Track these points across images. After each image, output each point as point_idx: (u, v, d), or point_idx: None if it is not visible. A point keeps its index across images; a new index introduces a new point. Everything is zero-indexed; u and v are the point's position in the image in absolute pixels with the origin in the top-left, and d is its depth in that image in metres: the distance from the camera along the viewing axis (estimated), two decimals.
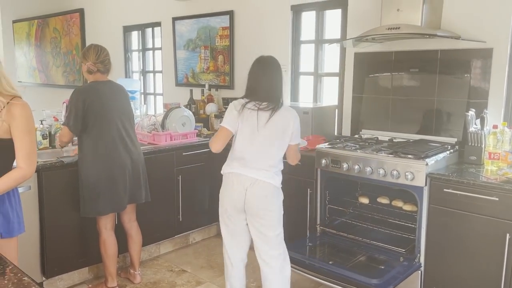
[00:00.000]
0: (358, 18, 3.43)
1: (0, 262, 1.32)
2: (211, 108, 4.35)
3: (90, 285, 3.05)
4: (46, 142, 3.17)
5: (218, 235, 3.97)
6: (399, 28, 2.78)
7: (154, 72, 5.56)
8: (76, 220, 2.91)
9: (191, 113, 3.90)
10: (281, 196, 2.48)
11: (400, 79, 3.27)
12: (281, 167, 2.49)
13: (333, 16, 3.77)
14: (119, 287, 2.96)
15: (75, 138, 2.83)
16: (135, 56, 5.75)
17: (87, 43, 6.22)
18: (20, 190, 2.48)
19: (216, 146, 2.41)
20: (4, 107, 1.83)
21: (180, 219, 3.57)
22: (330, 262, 2.63)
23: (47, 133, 3.18)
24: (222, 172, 2.48)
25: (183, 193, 3.57)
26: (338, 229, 3.01)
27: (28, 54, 7.45)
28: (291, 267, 2.60)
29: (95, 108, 2.69)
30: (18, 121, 1.85)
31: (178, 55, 5.02)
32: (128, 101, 2.95)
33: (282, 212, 2.49)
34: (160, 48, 5.32)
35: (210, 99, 4.46)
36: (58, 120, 3.29)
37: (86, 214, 2.77)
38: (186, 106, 4.25)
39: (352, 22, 3.49)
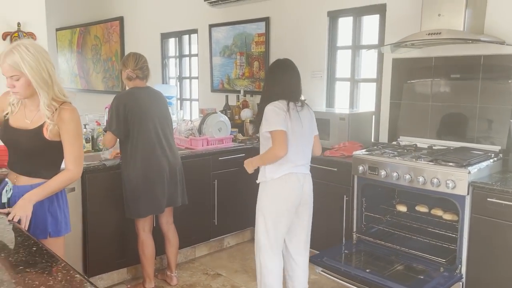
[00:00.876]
0: (397, 24, 3.39)
1: (53, 259, 1.38)
2: (246, 114, 4.39)
3: (128, 286, 3.12)
4: (89, 146, 3.29)
5: (252, 240, 3.97)
6: (440, 33, 2.73)
7: (190, 78, 5.66)
8: (116, 222, 3.00)
9: (227, 118, 3.94)
10: None
11: (440, 85, 3.20)
12: None
13: (370, 22, 3.74)
14: None
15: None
16: (172, 63, 5.88)
17: (126, 50, 6.42)
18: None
19: (283, 150, 2.39)
20: (55, 112, 1.92)
21: (216, 223, 3.62)
22: (367, 270, 2.60)
23: (90, 137, 3.30)
24: (270, 178, 2.50)
25: (219, 197, 3.61)
26: (375, 237, 2.97)
27: (70, 60, 7.75)
28: (326, 273, 2.59)
29: (135, 112, 2.77)
30: (67, 125, 1.94)
31: (214, 61, 5.09)
32: (166, 106, 3.02)
33: None
34: (196, 55, 5.42)
35: (245, 105, 4.51)
36: (100, 124, 3.41)
37: (129, 215, 2.85)
38: (221, 112, 4.31)
39: (390, 27, 3.45)
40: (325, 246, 3.12)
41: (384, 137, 3.58)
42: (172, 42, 5.84)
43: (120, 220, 2.96)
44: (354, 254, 2.94)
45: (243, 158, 3.70)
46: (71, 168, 1.96)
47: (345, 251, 2.97)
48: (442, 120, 3.20)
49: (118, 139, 2.83)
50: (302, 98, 2.64)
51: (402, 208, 3.07)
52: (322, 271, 2.73)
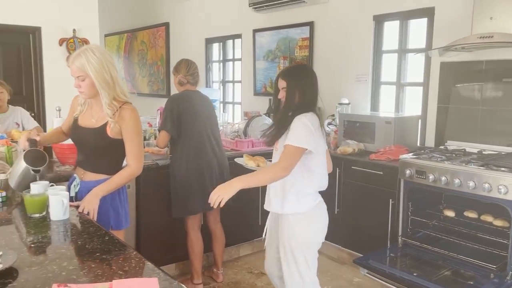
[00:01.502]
0: (446, 27, 3.36)
1: (125, 248, 1.49)
2: None
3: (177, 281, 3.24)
4: None
5: None
6: (492, 36, 2.70)
7: (234, 82, 5.79)
8: (166, 219, 3.12)
9: (271, 121, 4.02)
10: None
11: (491, 89, 3.15)
12: None
13: (417, 25, 3.72)
14: (204, 284, 3.13)
15: None
16: (216, 67, 6.03)
17: (171, 55, 6.64)
18: None
19: (289, 171, 2.01)
20: (116, 111, 2.05)
21: (259, 223, 3.69)
22: (415, 274, 2.59)
23: (142, 137, 3.45)
24: (307, 209, 2.14)
25: (263, 198, 3.67)
26: (421, 241, 2.95)
27: (117, 65, 8.05)
28: (371, 275, 2.60)
29: (187, 113, 2.90)
30: (128, 124, 2.05)
31: (257, 65, 5.19)
32: (213, 109, 3.15)
33: None
34: (240, 59, 5.54)
35: None
36: (152, 125, 3.56)
37: (178, 214, 2.97)
38: (265, 115, 4.39)
39: (438, 31, 3.43)
40: (369, 249, 3.13)
41: (430, 142, 3.55)
42: (216, 47, 5.99)
43: (169, 217, 3.08)
44: (400, 257, 2.94)
45: None
46: (132, 164, 2.08)
47: (391, 254, 2.97)
48: (493, 125, 3.15)
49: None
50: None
51: (449, 213, 3.04)
52: (367, 273, 2.75)
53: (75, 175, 2.18)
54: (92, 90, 2.03)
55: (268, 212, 2.41)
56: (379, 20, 3.92)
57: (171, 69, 6.76)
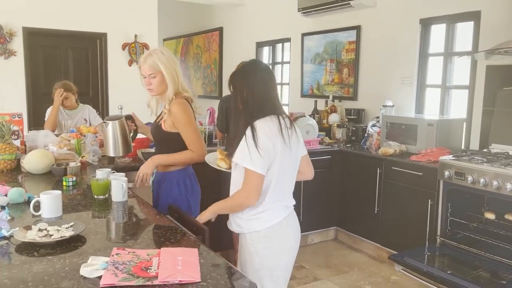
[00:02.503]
0: (492, 30, 3.36)
1: (173, 225, 1.74)
2: (334, 118, 4.57)
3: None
4: None
5: (336, 239, 4.15)
6: None
7: (282, 84, 5.98)
8: None
9: (315, 122, 4.17)
10: None
11: None
12: None
13: (464, 29, 3.73)
14: None
15: None
16: None
17: (224, 58, 6.96)
18: None
19: (255, 197, 1.71)
20: (169, 106, 2.27)
21: (301, 219, 3.84)
22: (449, 272, 2.65)
23: (196, 125, 3.74)
24: (263, 227, 1.77)
25: (304, 195, 3.84)
26: (459, 242, 2.98)
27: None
28: (406, 271, 2.68)
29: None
30: (175, 117, 2.22)
31: (305, 68, 5.35)
32: None
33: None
34: (288, 62, 5.72)
35: (333, 110, 4.69)
36: (202, 124, 3.83)
37: None
38: (310, 116, 4.54)
39: (485, 34, 3.42)
40: (407, 248, 3.19)
41: (475, 145, 3.54)
42: (266, 50, 6.22)
43: None
44: (437, 256, 2.99)
45: (329, 160, 3.93)
46: (193, 149, 2.24)
47: (428, 253, 3.02)
48: None
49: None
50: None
51: (490, 216, 3.03)
52: (402, 269, 2.83)
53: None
54: (161, 87, 2.25)
55: None
56: (426, 24, 3.95)
57: (224, 71, 7.11)
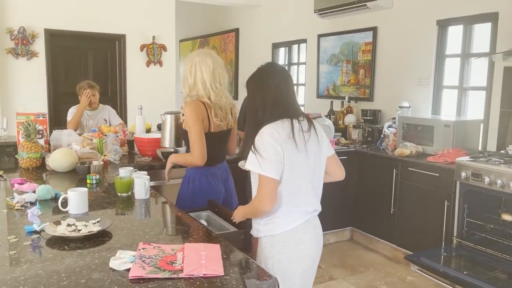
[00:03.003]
0: (510, 32, 3.34)
1: (194, 222, 1.79)
2: (349, 119, 4.59)
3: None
4: None
5: (351, 239, 4.18)
6: None
7: (298, 84, 6.01)
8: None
9: (331, 122, 4.20)
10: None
11: None
12: None
13: (482, 30, 3.72)
14: None
15: None
16: None
17: (240, 59, 7.02)
18: None
19: (271, 203, 1.69)
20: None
21: None
22: (465, 272, 2.66)
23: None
24: (279, 231, 1.76)
25: (323, 195, 3.86)
26: (476, 243, 2.98)
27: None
28: (422, 271, 2.69)
29: None
30: (185, 118, 2.30)
31: (321, 69, 5.38)
32: None
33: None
34: (304, 63, 5.76)
35: (349, 111, 4.71)
36: None
37: None
38: (326, 116, 4.57)
39: (502, 35, 3.42)
40: (424, 249, 3.20)
41: (492, 146, 3.53)
42: (282, 51, 6.26)
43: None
44: (454, 257, 3.00)
45: (345, 161, 3.94)
46: (191, 153, 2.28)
47: (444, 254, 3.03)
48: None
49: None
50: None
51: (507, 217, 3.03)
52: (418, 269, 2.85)
53: None
54: (184, 89, 2.36)
55: None
56: (443, 25, 3.95)
57: (240, 72, 7.16)
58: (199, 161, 2.26)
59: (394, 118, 4.13)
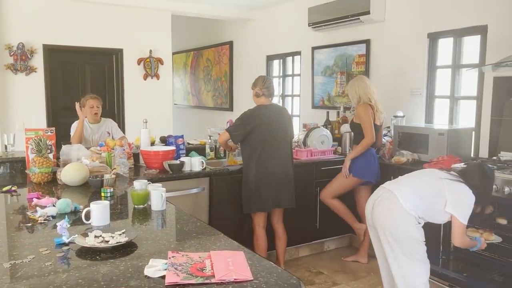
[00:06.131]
0: (498, 43, 3.52)
1: (214, 231, 1.88)
2: (345, 128, 4.72)
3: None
4: (212, 154, 3.89)
5: (351, 246, 4.28)
6: None
7: (293, 95, 6.15)
8: (234, 218, 3.51)
9: (329, 132, 4.33)
10: None
11: None
12: None
13: (471, 42, 3.89)
14: None
15: None
16: (276, 82, 6.42)
17: (235, 71, 7.15)
18: (195, 190, 3.20)
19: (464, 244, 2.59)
20: None
21: (317, 227, 3.99)
22: (464, 274, 2.78)
23: (214, 146, 3.90)
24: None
25: (321, 203, 3.98)
26: None
27: (184, 80, 8.74)
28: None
29: (258, 127, 3.27)
30: (358, 114, 3.06)
31: (316, 80, 5.53)
32: (285, 120, 3.48)
33: None
34: (299, 75, 5.90)
35: (345, 120, 4.84)
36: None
37: (251, 211, 3.35)
38: (322, 127, 4.69)
39: (491, 47, 3.59)
40: None
41: (484, 153, 3.69)
42: (276, 63, 6.41)
43: (237, 216, 3.47)
44: (452, 260, 3.12)
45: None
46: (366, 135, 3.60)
47: (442, 257, 3.16)
48: None
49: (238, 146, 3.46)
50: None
51: (502, 221, 3.17)
52: None
53: None
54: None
55: None
56: (434, 37, 4.13)
57: (234, 84, 7.29)
58: (372, 139, 3.58)
59: (389, 127, 4.28)
